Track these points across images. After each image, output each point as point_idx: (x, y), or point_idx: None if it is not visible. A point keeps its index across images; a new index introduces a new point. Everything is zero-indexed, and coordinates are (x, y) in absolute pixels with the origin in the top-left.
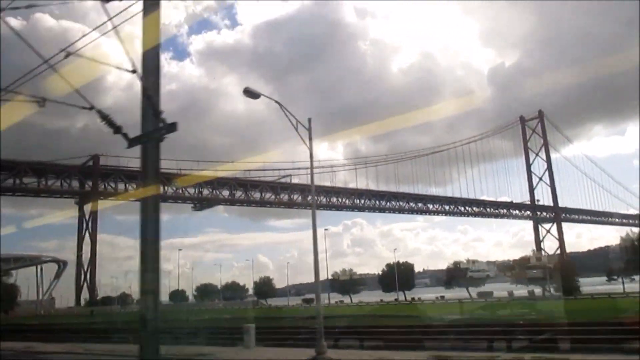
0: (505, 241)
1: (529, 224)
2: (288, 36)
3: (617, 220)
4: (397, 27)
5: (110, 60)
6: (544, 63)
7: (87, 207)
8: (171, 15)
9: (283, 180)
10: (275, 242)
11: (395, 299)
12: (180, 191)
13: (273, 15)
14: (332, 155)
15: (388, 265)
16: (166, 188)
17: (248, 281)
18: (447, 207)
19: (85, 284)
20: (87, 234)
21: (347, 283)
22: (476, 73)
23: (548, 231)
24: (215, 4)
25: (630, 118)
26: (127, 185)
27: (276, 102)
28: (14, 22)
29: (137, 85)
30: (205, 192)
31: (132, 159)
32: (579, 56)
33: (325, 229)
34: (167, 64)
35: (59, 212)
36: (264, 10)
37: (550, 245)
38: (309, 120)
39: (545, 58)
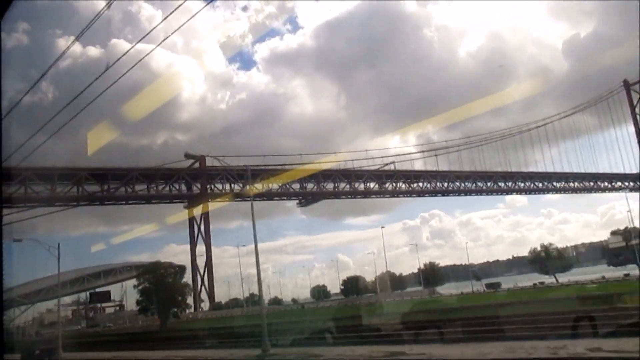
0: (593, 222)
1: (619, 201)
2: (350, 34)
3: None
4: (461, 10)
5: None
6: (624, 29)
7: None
8: (235, 27)
9: (387, 167)
10: (353, 240)
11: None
12: (285, 187)
13: (333, 15)
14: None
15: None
16: (271, 185)
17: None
18: (539, 184)
19: (202, 289)
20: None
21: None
22: (550, 48)
23: None
24: (276, 10)
25: None
26: (232, 185)
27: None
28: (94, 50)
29: (209, 98)
30: (310, 186)
31: (237, 157)
32: None
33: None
34: (235, 75)
35: (170, 217)
36: (324, 11)
37: None
38: None
39: (625, 24)
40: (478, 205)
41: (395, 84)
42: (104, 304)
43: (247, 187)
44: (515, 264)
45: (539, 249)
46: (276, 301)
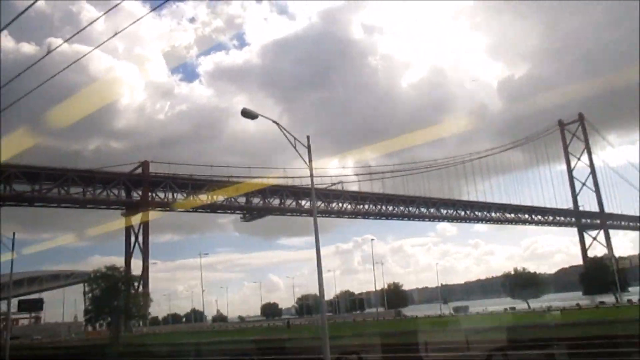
0: (516, 254)
1: (541, 235)
2: (297, 55)
3: None
4: (406, 43)
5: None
6: (554, 74)
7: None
8: (181, 37)
9: (334, 187)
10: (285, 260)
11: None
12: (230, 201)
13: (281, 34)
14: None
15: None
16: (215, 197)
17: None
18: (478, 214)
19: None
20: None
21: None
22: (486, 86)
23: (595, 238)
24: (224, 24)
25: None
26: (174, 195)
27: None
28: (28, 47)
29: (149, 107)
30: (255, 201)
31: (183, 165)
32: (588, 67)
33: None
34: (177, 85)
35: (106, 225)
36: (272, 30)
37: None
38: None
39: (555, 69)
40: (410, 232)
41: (338, 108)
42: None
43: (191, 197)
44: (471, 289)
45: (512, 272)
46: (221, 318)
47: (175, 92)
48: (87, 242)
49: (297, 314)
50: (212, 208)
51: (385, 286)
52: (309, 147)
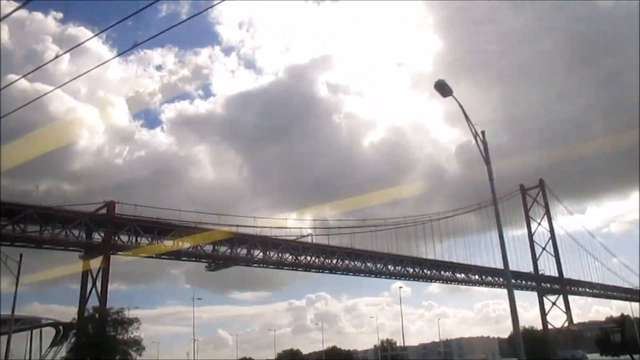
0: (469, 317)
1: (493, 299)
2: (261, 108)
3: (622, 295)
4: (370, 103)
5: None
6: (508, 143)
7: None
8: (146, 84)
9: (304, 239)
10: (236, 315)
11: None
12: (197, 248)
13: (247, 87)
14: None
15: None
16: (181, 244)
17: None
18: (435, 272)
19: None
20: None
21: None
22: (444, 150)
23: (554, 303)
24: (191, 74)
25: (592, 197)
26: (138, 239)
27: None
28: None
29: (107, 151)
30: (222, 249)
31: (149, 208)
32: (542, 138)
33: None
34: (138, 131)
35: (62, 267)
36: (239, 82)
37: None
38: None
39: (511, 138)
40: (364, 291)
41: (300, 163)
42: None
43: (156, 242)
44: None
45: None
46: None
47: (135, 137)
48: (25, 287)
49: None
50: (177, 255)
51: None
52: (485, 144)
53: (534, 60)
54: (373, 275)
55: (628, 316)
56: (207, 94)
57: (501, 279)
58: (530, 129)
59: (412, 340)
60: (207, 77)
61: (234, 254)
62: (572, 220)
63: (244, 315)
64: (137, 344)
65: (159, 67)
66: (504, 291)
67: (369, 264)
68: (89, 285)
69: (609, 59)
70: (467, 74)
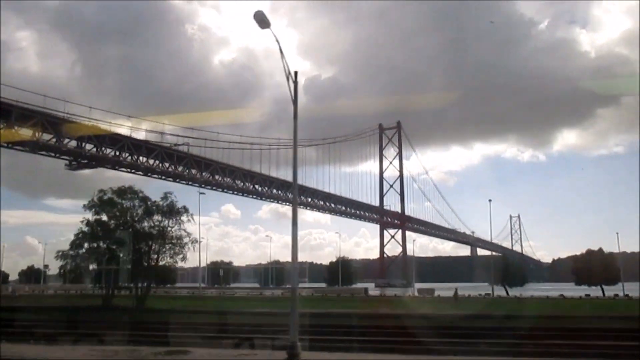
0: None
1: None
2: (104, 2)
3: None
4: (226, 19)
5: None
6: (359, 81)
7: None
8: None
9: (180, 147)
10: (50, 223)
11: None
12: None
13: None
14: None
15: None
16: (39, 134)
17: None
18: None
19: None
20: None
21: None
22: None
23: (392, 237)
24: None
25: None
26: None
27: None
28: None
29: None
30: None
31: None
32: (387, 81)
33: None
34: None
35: None
36: None
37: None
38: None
39: (358, 78)
40: (194, 210)
41: (142, 70)
42: None
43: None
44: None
45: None
46: None
47: None
48: None
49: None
50: (34, 147)
51: None
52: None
53: (392, 9)
54: (241, 194)
55: None
56: None
57: (352, 210)
58: (379, 73)
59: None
60: None
61: (102, 154)
62: (420, 163)
63: (58, 224)
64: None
65: None
66: (328, 221)
67: (240, 183)
68: None
69: (456, 22)
70: (328, 8)
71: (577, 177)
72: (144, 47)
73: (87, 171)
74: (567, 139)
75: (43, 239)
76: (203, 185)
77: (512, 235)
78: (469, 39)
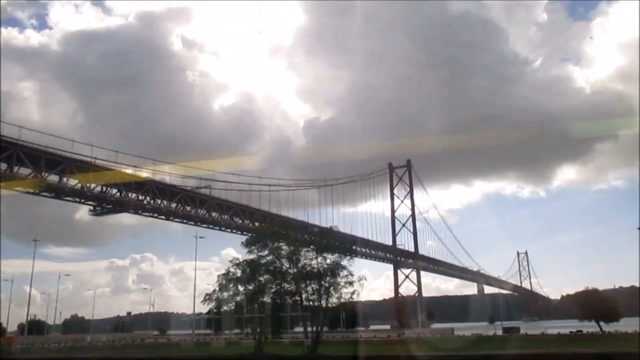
0: None
1: None
2: (105, 51)
3: (465, 275)
4: (225, 65)
5: None
6: (357, 123)
7: None
8: None
9: (203, 190)
10: (46, 271)
11: None
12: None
13: (91, 25)
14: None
15: None
16: (66, 180)
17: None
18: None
19: None
20: None
21: None
22: (293, 123)
23: (407, 277)
24: (26, 1)
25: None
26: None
27: None
28: None
29: None
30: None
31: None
32: (385, 122)
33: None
34: None
35: None
36: (82, 18)
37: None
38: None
39: (357, 120)
40: (193, 255)
41: (143, 117)
42: None
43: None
44: None
45: None
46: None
47: None
48: None
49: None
50: (61, 193)
51: None
52: None
53: (389, 52)
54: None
55: None
56: (42, 24)
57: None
58: (377, 114)
59: None
60: (45, 6)
61: (125, 198)
62: (428, 201)
63: (57, 272)
64: None
65: None
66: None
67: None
68: None
69: (452, 63)
70: (325, 52)
71: (578, 210)
72: (146, 94)
73: (87, 218)
74: (567, 174)
75: (42, 288)
76: (223, 229)
77: (520, 272)
78: (464, 78)
